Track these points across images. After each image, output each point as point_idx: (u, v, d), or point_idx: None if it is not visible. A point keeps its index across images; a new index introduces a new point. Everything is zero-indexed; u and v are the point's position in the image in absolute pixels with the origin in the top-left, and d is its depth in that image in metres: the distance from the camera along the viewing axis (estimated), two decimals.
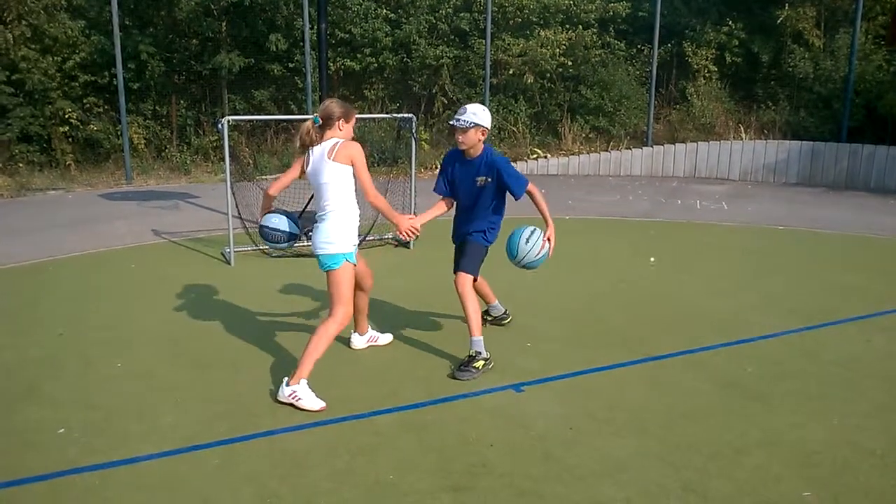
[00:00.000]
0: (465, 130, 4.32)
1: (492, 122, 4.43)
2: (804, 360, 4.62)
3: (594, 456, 3.43)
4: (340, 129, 4.04)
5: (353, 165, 3.94)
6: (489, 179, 4.40)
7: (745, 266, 6.99)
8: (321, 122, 4.01)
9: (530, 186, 4.44)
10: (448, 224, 4.79)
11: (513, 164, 4.54)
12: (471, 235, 4.54)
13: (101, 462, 3.35)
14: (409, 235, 4.24)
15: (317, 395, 3.88)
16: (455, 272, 4.51)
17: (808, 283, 6.37)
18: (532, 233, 4.47)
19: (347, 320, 4.01)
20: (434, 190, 4.68)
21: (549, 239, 4.47)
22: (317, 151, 3.99)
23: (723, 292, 6.08)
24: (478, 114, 4.33)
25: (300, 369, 3.89)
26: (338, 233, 3.96)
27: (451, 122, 4.43)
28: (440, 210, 4.64)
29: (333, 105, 4.05)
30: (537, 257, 4.46)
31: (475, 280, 4.55)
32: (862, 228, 8.67)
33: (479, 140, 4.37)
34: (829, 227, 8.73)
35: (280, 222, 4.26)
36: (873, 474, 3.27)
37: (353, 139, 4.09)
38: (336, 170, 3.92)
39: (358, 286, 4.45)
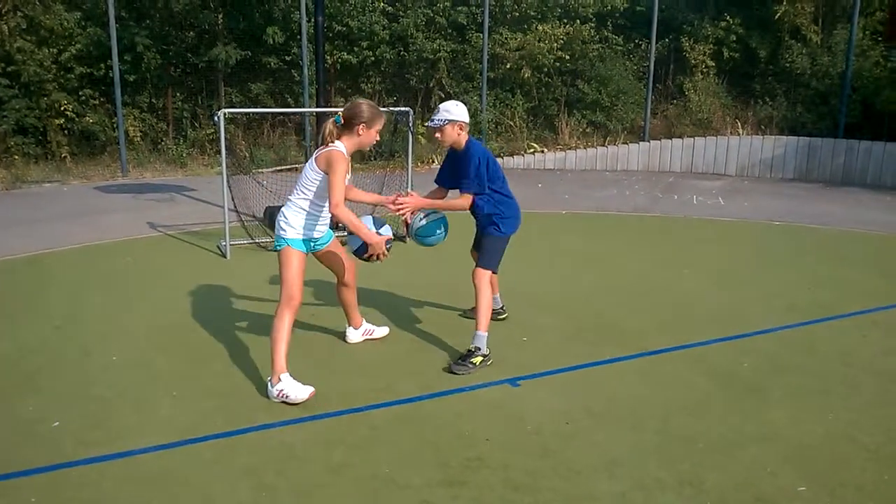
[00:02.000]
0: (440, 129, 4.38)
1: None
2: (801, 354, 4.63)
3: (590, 450, 3.43)
4: (360, 134, 3.95)
5: (326, 173, 3.87)
6: None
7: (741, 261, 7.00)
8: (343, 121, 3.94)
9: (465, 198, 4.40)
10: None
11: (503, 165, 4.53)
12: (486, 228, 4.56)
13: (97, 455, 3.34)
14: (378, 257, 4.07)
15: (302, 384, 3.87)
16: (475, 266, 4.55)
17: (805, 279, 6.38)
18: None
19: (293, 301, 3.94)
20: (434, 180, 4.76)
21: (396, 198, 4.34)
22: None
23: (719, 287, 6.09)
24: (450, 110, 4.37)
25: (274, 366, 3.88)
26: (291, 221, 3.99)
27: (426, 125, 4.46)
28: (436, 198, 4.63)
29: (363, 106, 3.95)
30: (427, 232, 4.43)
31: (494, 273, 4.59)
32: (858, 224, 8.69)
33: (459, 135, 4.41)
34: (826, 223, 8.74)
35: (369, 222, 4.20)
36: (869, 469, 3.28)
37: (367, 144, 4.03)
38: (313, 172, 3.92)
39: (340, 281, 4.47)
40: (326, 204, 4.00)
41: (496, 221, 4.51)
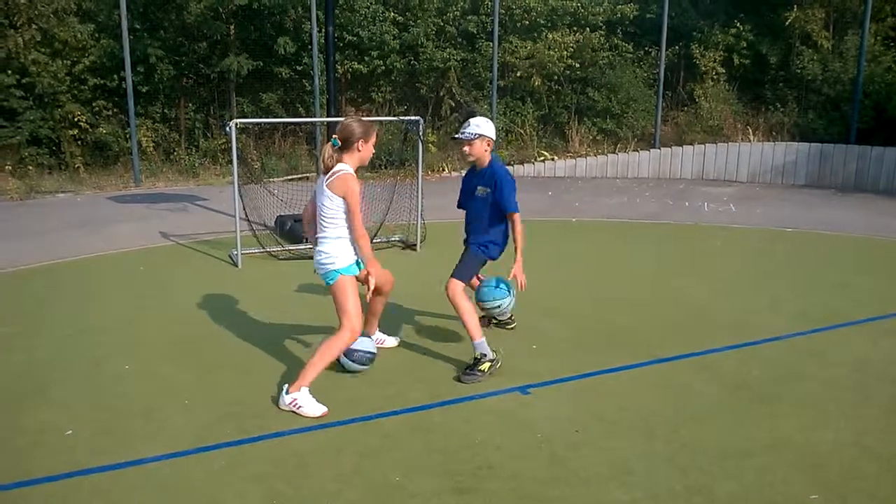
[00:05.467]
0: (470, 142, 4.41)
1: (497, 129, 4.50)
2: (812, 362, 4.60)
3: (600, 458, 3.42)
4: (360, 150, 3.98)
5: (345, 200, 3.90)
6: (488, 190, 4.48)
7: (752, 268, 6.97)
8: (340, 143, 3.96)
9: (516, 216, 4.45)
10: (452, 227, 4.80)
11: (513, 173, 4.58)
12: (475, 244, 4.59)
13: (108, 463, 3.37)
14: (368, 289, 4.11)
15: (318, 401, 3.88)
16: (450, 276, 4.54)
17: (816, 286, 6.35)
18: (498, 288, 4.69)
19: (356, 333, 3.99)
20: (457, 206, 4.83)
21: (514, 276, 4.49)
22: (325, 175, 3.99)
23: (730, 294, 6.06)
24: (481, 125, 4.41)
25: (302, 377, 3.89)
26: (334, 252, 3.97)
27: (455, 137, 4.49)
28: None
29: (353, 124, 3.97)
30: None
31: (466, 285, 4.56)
32: (870, 230, 8.64)
33: (486, 151, 4.46)
34: (838, 230, 8.69)
35: (366, 344, 4.33)
36: (881, 477, 3.26)
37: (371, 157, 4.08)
38: (332, 200, 3.92)
39: (376, 290, 4.37)
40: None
41: (486, 244, 4.55)
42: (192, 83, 13.87)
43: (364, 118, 4.08)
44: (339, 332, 3.96)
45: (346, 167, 3.94)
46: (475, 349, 4.36)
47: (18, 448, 3.52)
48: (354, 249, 4.06)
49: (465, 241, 4.73)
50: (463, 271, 4.51)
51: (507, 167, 4.59)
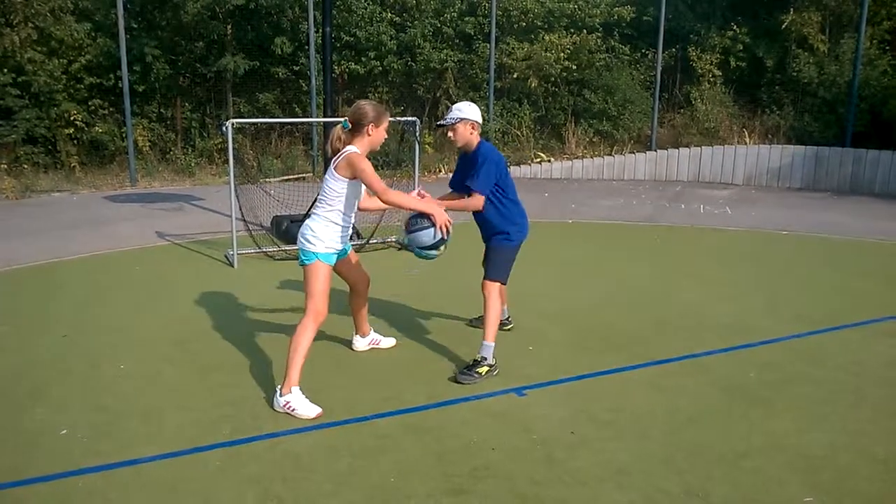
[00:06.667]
0: (452, 127, 4.37)
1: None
2: (808, 364, 4.61)
3: (596, 460, 3.43)
4: (370, 134, 3.95)
5: (357, 178, 3.88)
6: None
7: (748, 271, 6.98)
8: (350, 125, 3.94)
9: (477, 198, 4.33)
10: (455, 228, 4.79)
11: (511, 166, 4.54)
12: (495, 238, 4.52)
13: (104, 463, 3.36)
14: (445, 229, 4.00)
15: (312, 401, 3.87)
16: (483, 277, 4.48)
17: (812, 288, 6.36)
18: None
19: (320, 317, 3.95)
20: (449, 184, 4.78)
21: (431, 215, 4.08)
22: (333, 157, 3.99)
23: (726, 297, 6.07)
24: (463, 109, 4.38)
25: (288, 377, 3.87)
26: (320, 234, 3.95)
27: (438, 124, 4.47)
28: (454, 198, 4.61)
29: (367, 107, 3.94)
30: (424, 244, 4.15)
31: (503, 284, 4.52)
32: (866, 233, 8.66)
33: (471, 134, 4.41)
34: (833, 232, 8.72)
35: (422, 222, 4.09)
36: (876, 480, 3.27)
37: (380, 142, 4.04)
38: (336, 181, 3.91)
39: (353, 291, 4.47)
40: (352, 213, 4.04)
41: (506, 229, 4.47)
42: (189, 83, 13.85)
43: (377, 103, 4.06)
44: (303, 318, 3.93)
45: (352, 147, 3.92)
46: (481, 349, 4.35)
47: (15, 448, 3.51)
48: (341, 239, 4.05)
49: (483, 237, 4.64)
50: (498, 271, 4.45)
51: (494, 150, 4.46)
